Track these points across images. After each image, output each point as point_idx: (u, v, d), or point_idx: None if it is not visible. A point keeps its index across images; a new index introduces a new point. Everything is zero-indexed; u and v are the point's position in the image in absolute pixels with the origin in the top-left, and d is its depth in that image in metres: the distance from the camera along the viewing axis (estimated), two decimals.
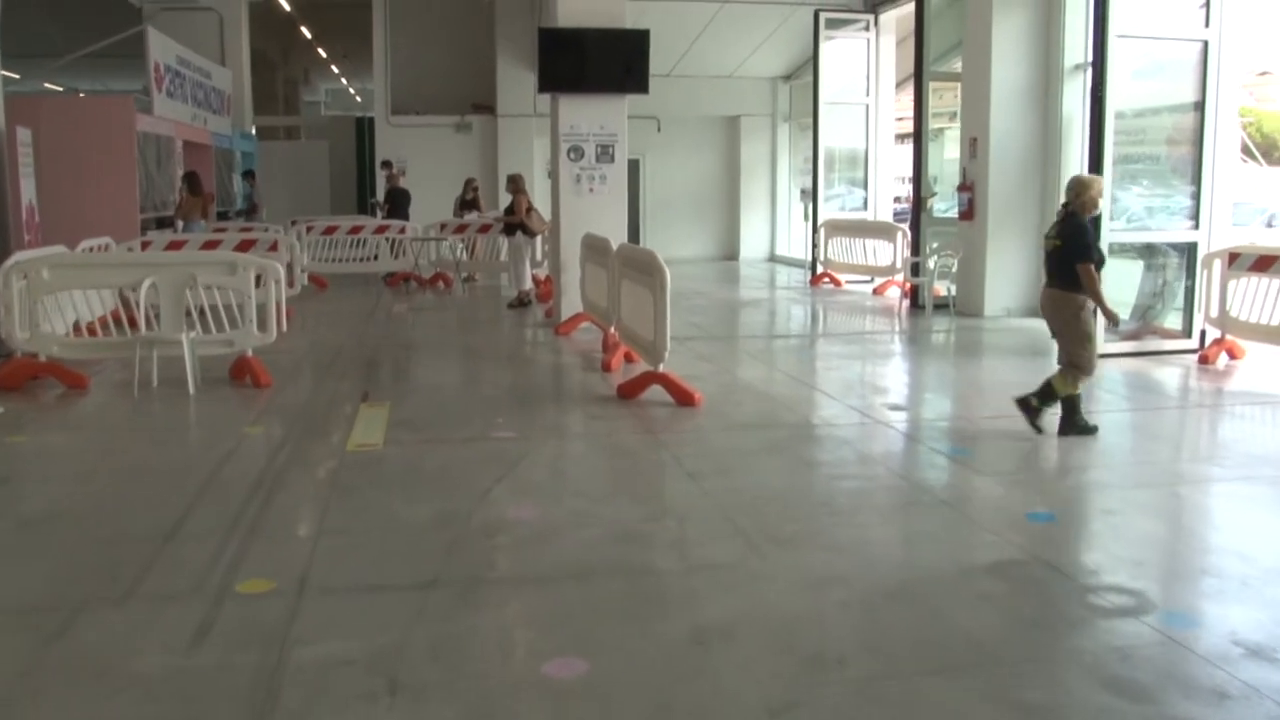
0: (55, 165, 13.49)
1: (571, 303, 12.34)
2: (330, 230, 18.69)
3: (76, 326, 9.73)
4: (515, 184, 15.10)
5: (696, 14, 18.98)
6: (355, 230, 18.75)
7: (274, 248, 13.74)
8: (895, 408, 8.01)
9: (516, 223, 14.93)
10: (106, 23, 17.12)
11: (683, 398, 8.10)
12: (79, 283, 9.52)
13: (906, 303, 14.34)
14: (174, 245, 13.59)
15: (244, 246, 13.72)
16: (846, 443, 6.88)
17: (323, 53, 30.87)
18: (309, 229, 18.54)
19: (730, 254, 23.49)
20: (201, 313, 9.43)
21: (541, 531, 5.19)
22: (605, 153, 12.42)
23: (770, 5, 18.50)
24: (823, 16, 17.57)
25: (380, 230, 18.76)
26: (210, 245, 13.73)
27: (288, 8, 23.01)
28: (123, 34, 14.45)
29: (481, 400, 8.62)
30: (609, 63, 12.13)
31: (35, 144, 13.15)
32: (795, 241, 22.24)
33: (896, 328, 12.90)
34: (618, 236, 12.21)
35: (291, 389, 9.10)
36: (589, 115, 12.34)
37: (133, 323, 9.34)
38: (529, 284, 15.03)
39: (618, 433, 7.29)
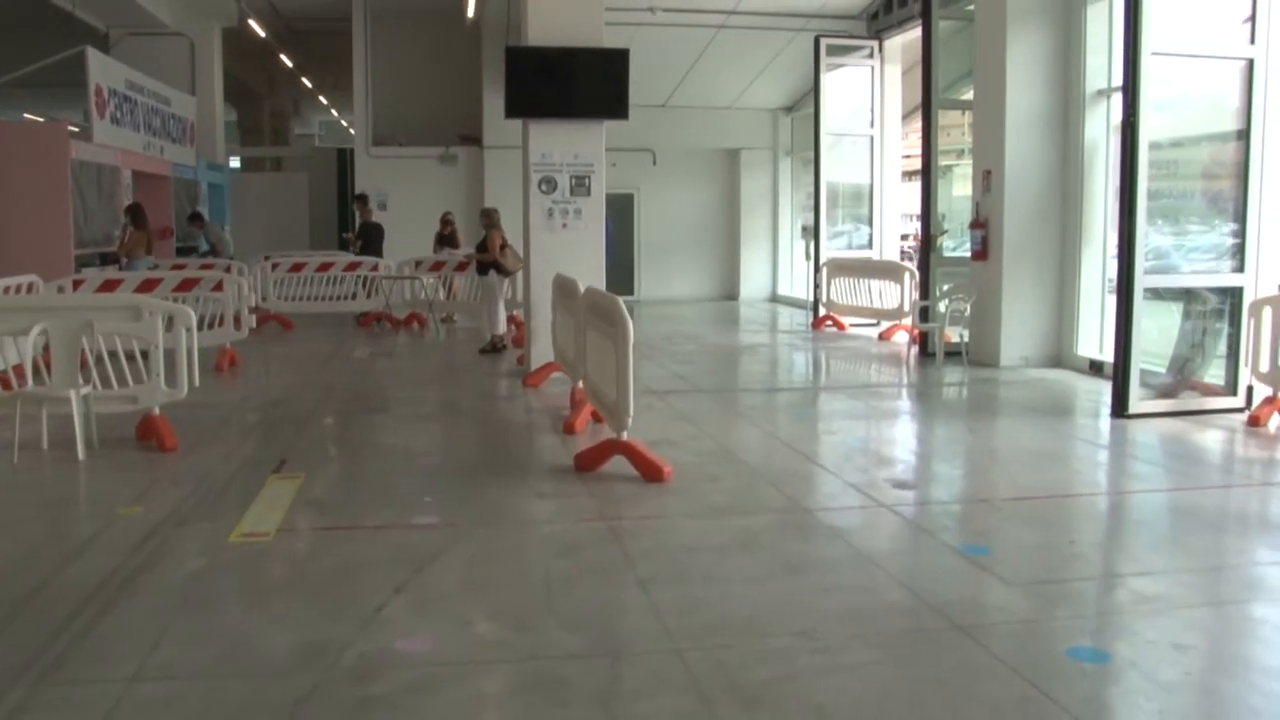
0: None
1: (542, 350, 11.15)
2: (297, 267, 17.54)
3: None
4: (489, 218, 13.94)
5: (691, 40, 17.87)
6: (324, 267, 17.59)
7: (219, 287, 12.54)
8: (901, 485, 6.72)
9: (490, 261, 13.76)
10: (66, 49, 16.08)
11: (649, 472, 6.85)
12: None
13: (915, 349, 13.08)
14: (109, 284, 12.44)
15: (186, 286, 12.58)
16: (840, 535, 5.60)
17: (308, 83, 29.83)
18: (274, 265, 17.40)
19: (730, 294, 22.30)
20: (107, 362, 8.24)
21: (431, 676, 3.92)
22: (581, 185, 11.23)
23: (769, 31, 17.38)
24: (824, 43, 16.45)
25: (351, 267, 17.61)
26: (150, 285, 12.58)
27: (263, 34, 21.93)
28: (58, 55, 13.29)
29: (416, 471, 7.35)
30: (585, 85, 10.96)
31: None
32: (798, 281, 21.05)
33: (904, 379, 11.63)
34: (594, 278, 11.02)
35: (200, 454, 7.85)
36: (563, 143, 11.17)
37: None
38: (502, 328, 13.84)
39: (563, 519, 6.02)
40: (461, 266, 16.44)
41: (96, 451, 7.82)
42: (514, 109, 11.06)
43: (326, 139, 40.73)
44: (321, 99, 33.25)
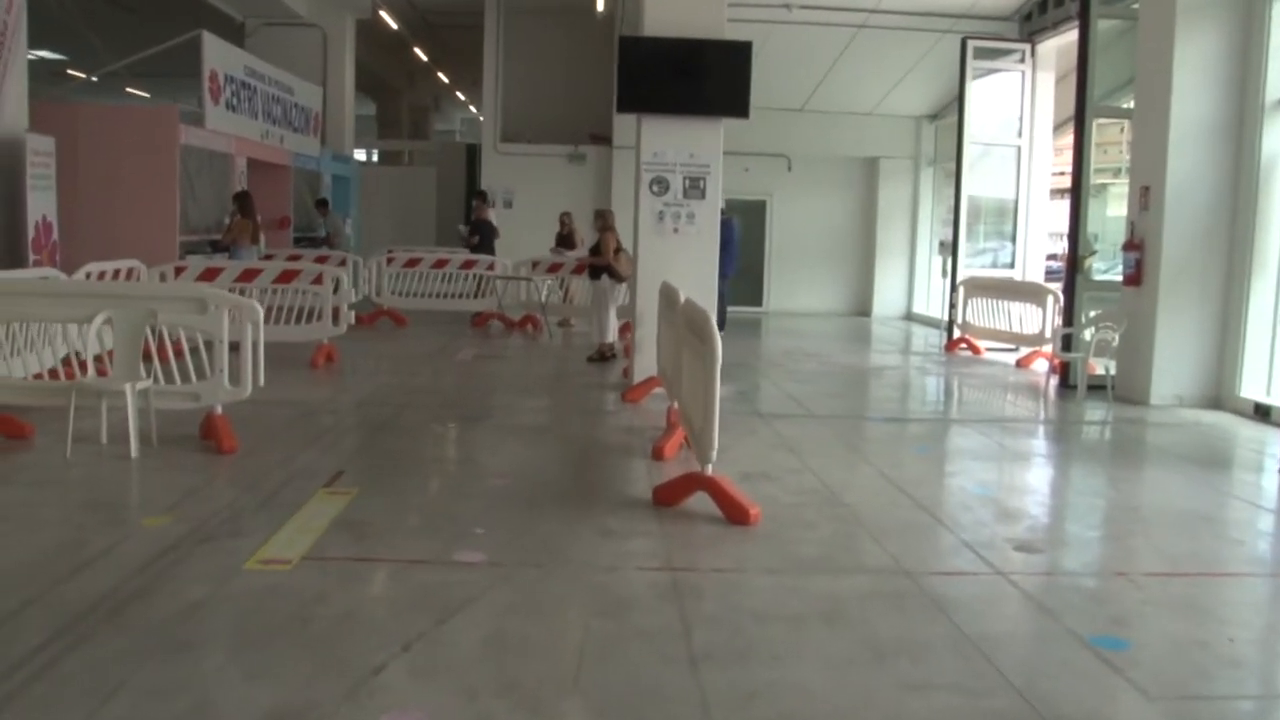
0: (90, 178, 12.19)
1: (647, 363, 10.40)
2: (413, 263, 17.20)
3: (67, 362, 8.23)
4: (603, 220, 13.26)
5: (829, 41, 16.95)
6: (440, 264, 17.20)
7: (318, 280, 12.15)
8: (1025, 547, 5.74)
9: (602, 264, 13.09)
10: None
11: (732, 512, 6.03)
12: (15, 314, 7.95)
13: (1055, 381, 11.90)
14: (210, 272, 12.18)
15: (286, 277, 12.23)
16: (944, 610, 4.69)
17: (444, 78, 29.79)
18: (389, 260, 17.09)
19: (862, 309, 21.22)
20: (171, 355, 7.83)
21: None
22: (695, 187, 10.45)
23: (912, 32, 16.33)
24: (971, 45, 15.32)
25: (467, 265, 17.17)
26: (250, 274, 12.27)
27: (395, 26, 21.76)
28: (174, 40, 13.10)
29: (480, 493, 6.67)
30: (703, 80, 10.17)
31: (70, 155, 11.89)
32: (935, 299, 19.86)
33: (1041, 414, 10.51)
34: (703, 288, 10.25)
35: (257, 458, 7.32)
36: (677, 141, 10.41)
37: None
38: (612, 336, 13.14)
39: (624, 565, 5.24)
40: (579, 269, 15.79)
41: (154, 449, 7.39)
42: (626, 103, 10.35)
43: (467, 135, 40.83)
44: (459, 95, 33.24)
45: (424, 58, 26.22)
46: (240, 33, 20.04)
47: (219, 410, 7.73)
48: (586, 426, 9.11)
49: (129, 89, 26.17)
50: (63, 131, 11.82)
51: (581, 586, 4.89)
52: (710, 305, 10.49)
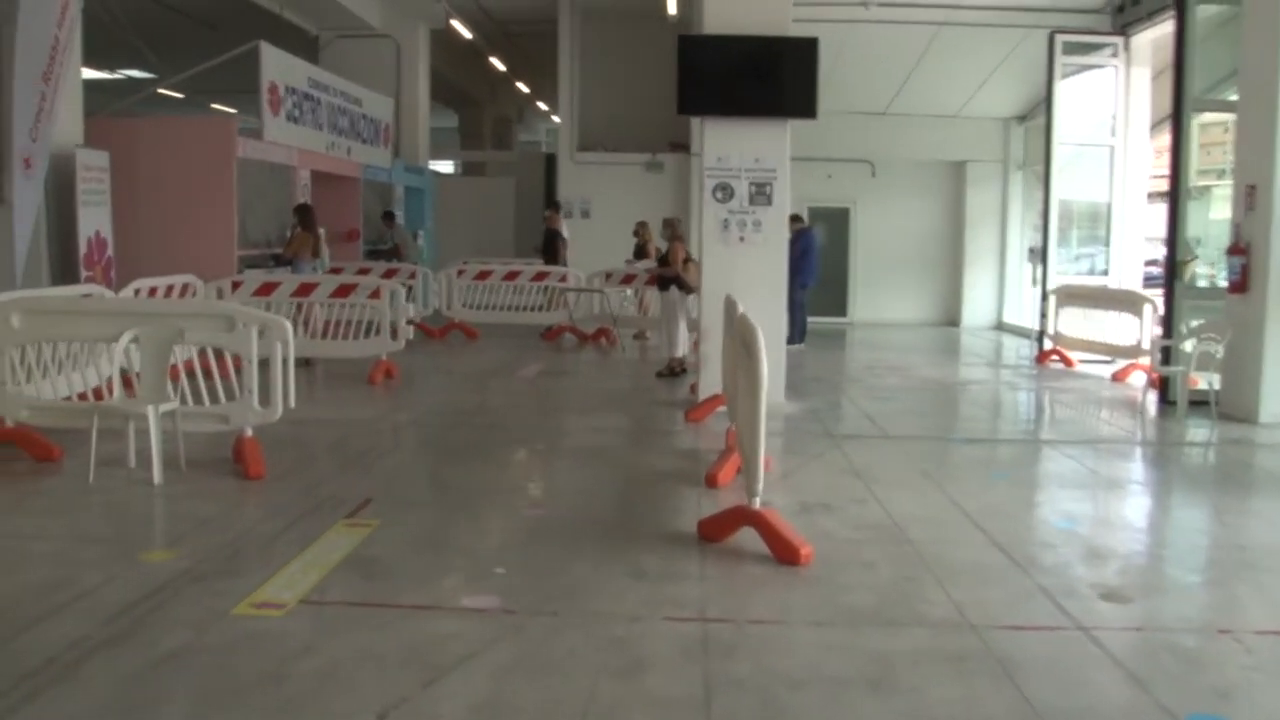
0: (148, 193, 12.02)
1: (712, 379, 9.83)
2: (483, 275, 16.87)
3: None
4: (671, 229, 12.73)
5: (910, 40, 16.20)
6: (511, 276, 16.86)
7: (376, 294, 11.81)
8: (1112, 596, 5.05)
9: (671, 275, 12.54)
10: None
11: (782, 552, 5.44)
12: (55, 333, 7.68)
13: (1153, 396, 11.02)
14: (266, 287, 11.93)
15: (343, 291, 11.94)
16: (1011, 676, 4.04)
17: (523, 88, 29.53)
18: (460, 272, 16.79)
19: (950, 319, 20.34)
20: (199, 376, 7.50)
21: None
22: (761, 193, 9.88)
23: (998, 29, 15.52)
24: (1060, 40, 14.48)
25: (539, 277, 16.81)
26: (306, 288, 11.99)
27: (469, 35, 21.50)
28: (232, 52, 12.90)
29: (511, 527, 6.17)
30: (767, 80, 9.60)
31: (127, 170, 11.73)
32: (1027, 307, 18.92)
33: (1137, 435, 9.67)
34: (771, 300, 9.74)
35: (283, 484, 6.93)
36: (741, 145, 9.87)
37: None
38: (682, 350, 12.58)
39: (650, 614, 4.67)
40: (650, 280, 15.28)
41: (182, 474, 7.06)
42: (687, 105, 9.84)
43: (551, 145, 40.65)
44: (541, 105, 33.00)
45: (501, 67, 25.96)
46: (314, 46, 19.96)
47: (249, 433, 7.37)
48: (642, 449, 8.57)
49: (214, 105, 26.35)
50: (121, 146, 11.67)
51: (597, 641, 4.34)
52: (778, 319, 9.93)
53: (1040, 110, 17.31)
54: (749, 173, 9.87)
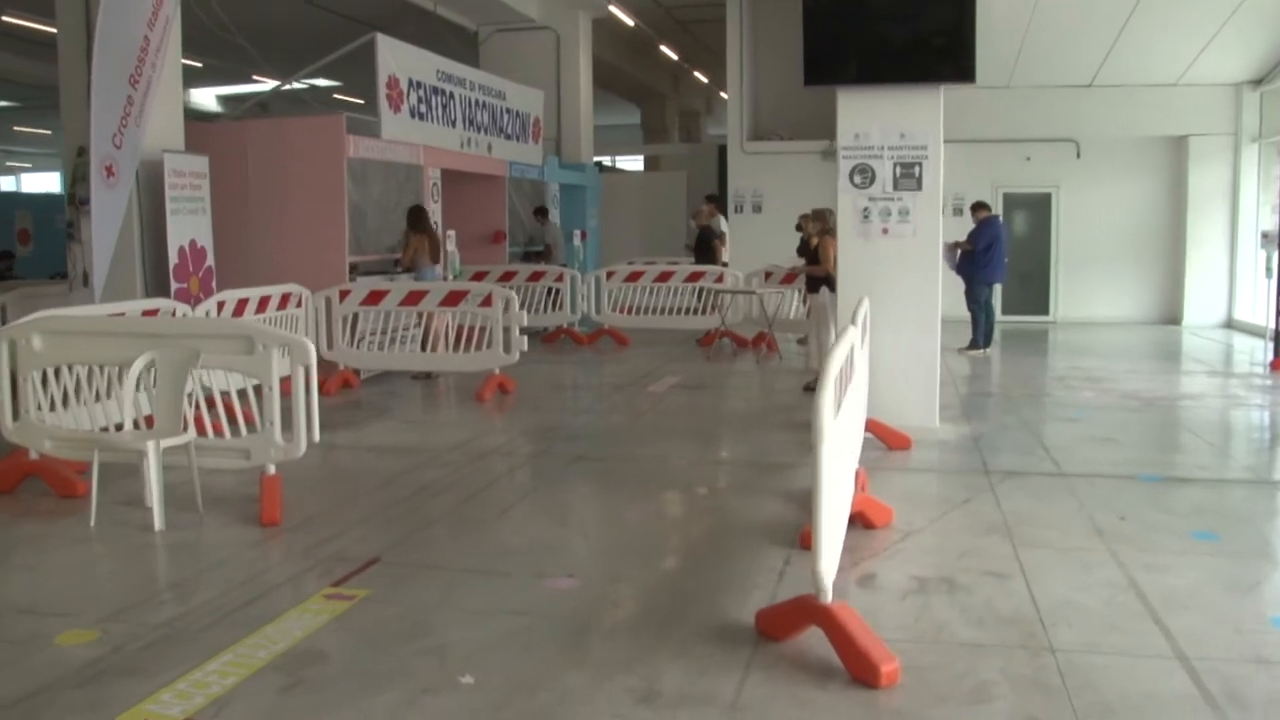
0: (260, 198, 11.29)
1: None
2: (634, 276, 15.62)
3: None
4: (822, 222, 11.14)
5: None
6: (663, 277, 15.54)
7: (487, 301, 10.70)
8: None
9: (821, 275, 10.96)
10: (446, 50, 15.19)
11: (855, 666, 3.91)
12: (76, 356, 6.80)
13: None
14: (374, 295, 11.00)
15: (453, 299, 10.88)
16: None
17: (702, 78, 28.22)
18: (609, 274, 15.59)
19: (1171, 317, 17.81)
20: (220, 405, 6.51)
21: None
22: (909, 175, 8.24)
23: None
24: None
25: (693, 278, 15.42)
26: (415, 296, 10.99)
27: (630, 22, 20.33)
28: (348, 47, 12.02)
29: (518, 607, 4.82)
30: (911, 36, 7.94)
31: (238, 174, 11.04)
32: (1263, 302, 16.29)
33: None
34: (922, 304, 8.09)
35: (296, 534, 5.87)
36: (884, 118, 8.26)
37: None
38: None
39: None
40: (791, 278, 13.71)
41: (199, 516, 6.11)
42: (814, 72, 8.24)
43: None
44: (723, 95, 31.66)
45: (673, 56, 24.72)
46: (474, 41, 19.21)
47: (271, 470, 6.29)
48: (746, 491, 7.03)
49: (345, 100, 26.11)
50: (224, 150, 10.98)
51: None
52: (929, 329, 8.27)
53: (1278, 72, 14.79)
54: (893, 151, 8.23)
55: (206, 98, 27.21)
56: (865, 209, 8.34)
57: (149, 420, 6.58)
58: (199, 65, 21.81)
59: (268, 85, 23.56)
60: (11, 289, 12.34)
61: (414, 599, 4.82)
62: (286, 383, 6.20)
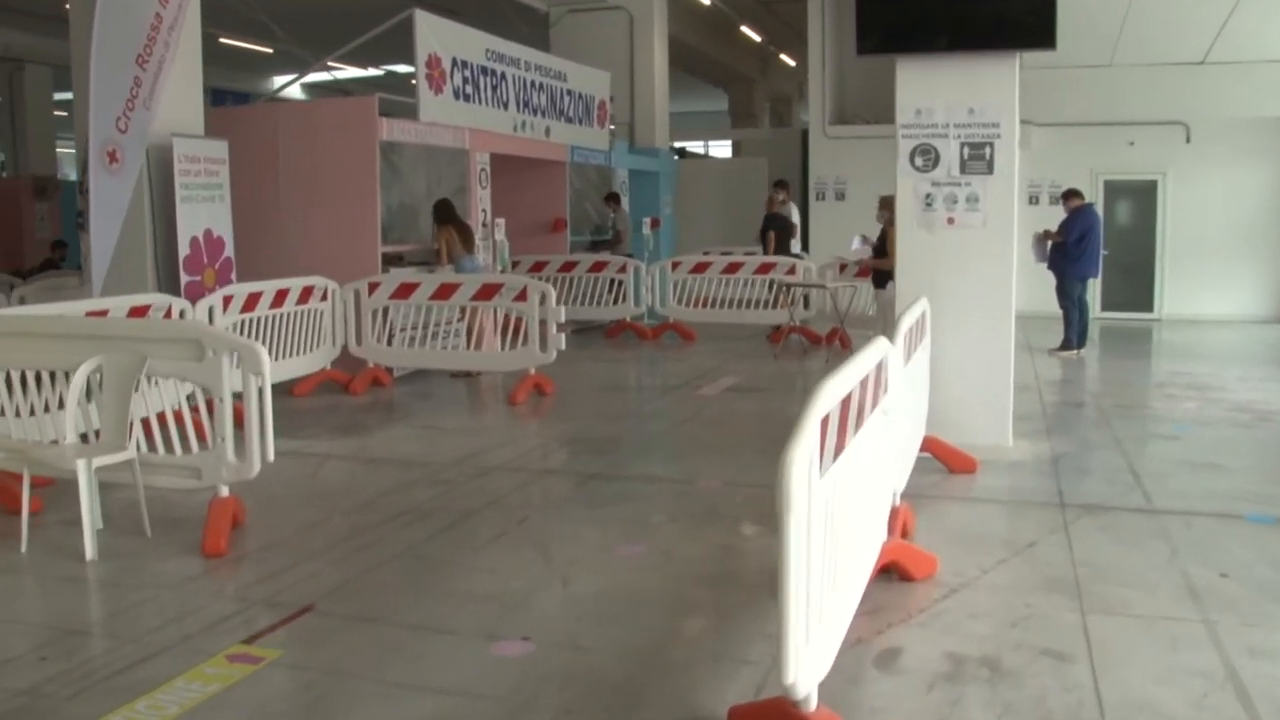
0: (290, 185, 10.62)
1: None
2: (700, 268, 14.67)
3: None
4: (890, 211, 10.01)
5: None
6: (732, 268, 14.55)
7: (522, 296, 9.87)
8: None
9: (888, 268, 9.88)
10: (515, 33, 14.48)
11: None
12: (19, 359, 6.10)
13: None
14: (405, 288, 10.27)
15: (486, 293, 10.09)
16: None
17: (789, 60, 27.06)
18: (674, 265, 14.67)
19: None
20: (187, 416, 5.79)
21: None
22: (978, 156, 7.17)
23: None
24: None
25: (764, 269, 14.39)
26: (447, 289, 10.23)
27: (706, 1, 19.32)
28: (385, 24, 11.21)
29: (442, 682, 3.93)
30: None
31: (256, 160, 10.39)
32: None
33: None
34: (994, 304, 7.04)
35: (238, 569, 5.11)
36: (949, 92, 7.20)
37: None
38: None
39: None
40: (863, 272, 12.62)
41: (147, 539, 5.47)
42: (869, 38, 7.20)
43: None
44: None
45: (756, 38, 23.65)
46: (545, 23, 18.41)
47: (224, 492, 5.53)
48: (772, 525, 6.05)
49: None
50: (246, 134, 10.34)
51: None
52: (1002, 335, 7.21)
53: None
54: (960, 130, 7.16)
55: (292, 86, 26.87)
56: (928, 195, 7.28)
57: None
58: (269, 52, 21.44)
59: (349, 73, 23.22)
60: (45, 279, 11.92)
61: (330, 664, 3.98)
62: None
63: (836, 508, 3.27)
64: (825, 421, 3.03)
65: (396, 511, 6.07)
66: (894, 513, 4.94)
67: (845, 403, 3.36)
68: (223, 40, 19.26)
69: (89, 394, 5.74)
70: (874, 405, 4.05)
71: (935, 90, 7.15)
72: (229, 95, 21.74)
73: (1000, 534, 5.53)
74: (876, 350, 4.17)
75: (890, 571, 4.70)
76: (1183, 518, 5.84)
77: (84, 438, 5.79)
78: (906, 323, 5.39)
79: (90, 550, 5.23)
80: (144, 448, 5.73)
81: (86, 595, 4.87)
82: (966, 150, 7.16)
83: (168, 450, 5.73)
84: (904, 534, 5.16)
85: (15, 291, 10.24)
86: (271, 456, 5.49)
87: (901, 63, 7.17)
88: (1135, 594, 4.65)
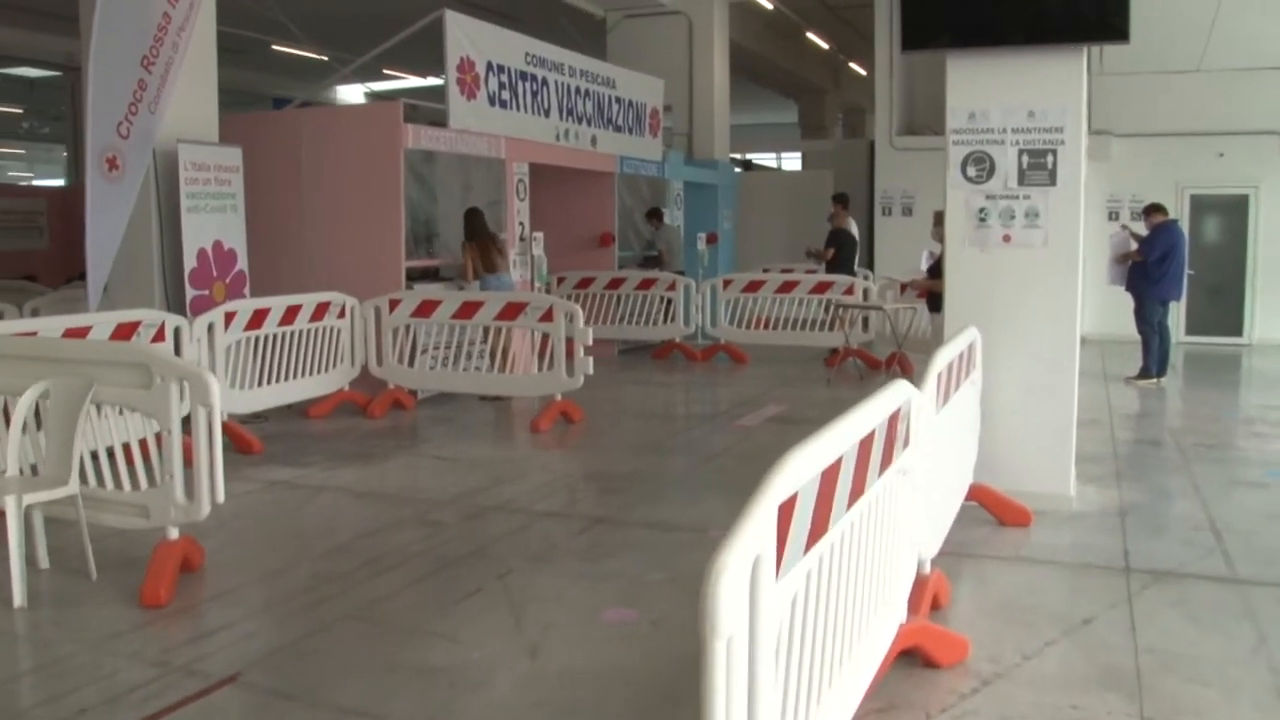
0: (314, 195, 10.12)
1: None
2: (753, 286, 13.94)
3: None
4: (944, 227, 9.23)
5: None
6: (787, 287, 13.80)
7: (548, 315, 9.23)
8: None
9: (942, 290, 9.06)
10: (565, 40, 14.01)
11: None
12: None
13: None
14: (425, 306, 9.77)
15: (510, 312, 9.47)
16: None
17: (860, 70, 26.22)
18: (726, 284, 13.97)
19: None
20: (135, 450, 5.24)
21: None
22: (1039, 164, 6.38)
23: None
24: None
25: (820, 289, 13.61)
26: (470, 308, 9.63)
27: (769, 5, 18.59)
28: (412, 28, 10.60)
29: None
30: None
31: (273, 169, 9.90)
32: None
33: None
34: (1057, 330, 6.23)
35: (171, 624, 4.54)
36: (1005, 92, 6.40)
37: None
38: None
39: None
40: (922, 294, 11.82)
41: (90, 582, 4.92)
42: (915, 33, 6.43)
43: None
44: None
45: (824, 45, 22.86)
46: (601, 29, 17.84)
47: (173, 534, 4.95)
48: None
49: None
50: (284, 142, 9.89)
51: None
52: (1064, 363, 6.38)
53: None
54: (1019, 135, 6.36)
55: (355, 94, 26.53)
56: (982, 210, 6.50)
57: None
58: (324, 59, 21.16)
59: (412, 81, 22.85)
60: (70, 289, 11.54)
61: None
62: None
63: (812, 612, 2.54)
64: (788, 507, 2.32)
65: (370, 558, 5.44)
66: (920, 584, 4.18)
67: (830, 474, 2.63)
68: (275, 47, 19.03)
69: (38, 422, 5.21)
70: (885, 466, 3.31)
71: (991, 90, 6.37)
72: (286, 104, 21.51)
73: (1051, 606, 4.72)
74: (891, 398, 3.43)
75: (912, 657, 3.95)
76: (1272, 590, 4.98)
77: (35, 469, 5.27)
78: (943, 359, 4.65)
79: (19, 596, 4.69)
80: (92, 481, 5.18)
81: (2, 648, 4.31)
82: (1025, 158, 6.37)
83: (116, 486, 5.16)
84: (935, 606, 4.41)
85: (28, 304, 9.82)
86: (221, 498, 4.90)
87: (952, 60, 6.40)
88: (1210, 694, 3.84)
